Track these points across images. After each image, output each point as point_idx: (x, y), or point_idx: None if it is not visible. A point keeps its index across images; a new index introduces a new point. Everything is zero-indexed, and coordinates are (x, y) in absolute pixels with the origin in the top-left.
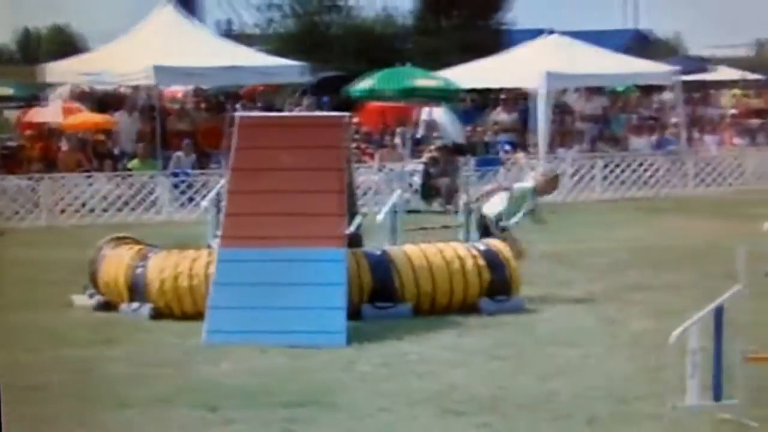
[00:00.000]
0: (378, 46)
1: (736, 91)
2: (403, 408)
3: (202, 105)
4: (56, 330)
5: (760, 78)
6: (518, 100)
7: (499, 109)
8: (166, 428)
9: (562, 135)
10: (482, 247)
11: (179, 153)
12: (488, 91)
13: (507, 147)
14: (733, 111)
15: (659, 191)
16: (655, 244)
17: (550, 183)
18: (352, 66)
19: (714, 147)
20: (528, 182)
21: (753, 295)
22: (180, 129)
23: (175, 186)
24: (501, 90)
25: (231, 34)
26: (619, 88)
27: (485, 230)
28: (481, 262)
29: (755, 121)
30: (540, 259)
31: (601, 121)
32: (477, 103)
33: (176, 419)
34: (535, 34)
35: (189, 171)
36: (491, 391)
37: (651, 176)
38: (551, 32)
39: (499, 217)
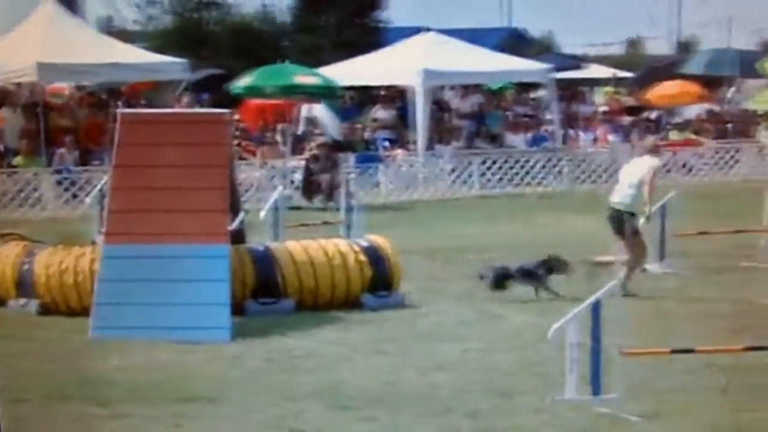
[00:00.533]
0: (257, 43)
1: (608, 89)
2: (290, 403)
3: (85, 102)
4: None
5: (631, 76)
6: (396, 97)
7: (378, 106)
8: (58, 423)
9: (440, 132)
10: (364, 243)
11: (62, 150)
12: (367, 88)
13: (386, 144)
14: (606, 108)
15: (535, 188)
16: (531, 240)
17: None
18: (232, 63)
19: (588, 144)
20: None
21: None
22: (63, 126)
23: (59, 183)
24: (379, 87)
25: (112, 30)
26: (495, 86)
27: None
28: (363, 257)
29: (627, 119)
30: (419, 255)
31: (478, 118)
32: (356, 101)
33: (68, 414)
34: (411, 32)
35: (72, 168)
36: (376, 386)
37: (527, 173)
38: (428, 30)
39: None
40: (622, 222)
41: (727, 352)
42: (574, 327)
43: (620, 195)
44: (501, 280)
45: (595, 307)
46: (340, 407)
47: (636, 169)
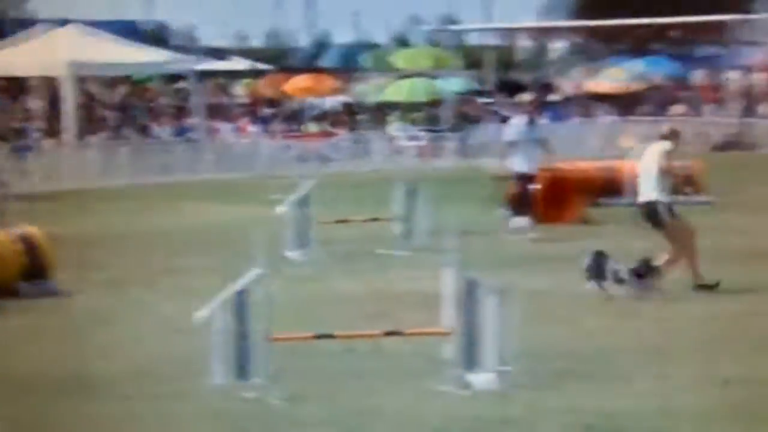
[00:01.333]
0: None
1: (248, 81)
2: None
3: None
4: None
5: (270, 68)
6: (46, 87)
7: (28, 96)
8: None
9: (89, 122)
10: (18, 232)
11: None
12: (18, 79)
13: (36, 134)
14: (247, 100)
15: (180, 177)
16: (178, 229)
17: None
18: None
19: (230, 134)
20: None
21: (271, 277)
22: None
23: None
24: (30, 78)
25: None
26: (140, 78)
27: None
28: (17, 246)
29: (268, 110)
30: (72, 243)
31: (125, 109)
32: (8, 91)
33: None
34: (59, 23)
35: None
36: (36, 372)
37: (173, 163)
38: (73, 22)
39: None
40: (655, 213)
41: (366, 338)
42: (221, 314)
43: (644, 190)
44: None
45: (241, 294)
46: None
47: (650, 160)
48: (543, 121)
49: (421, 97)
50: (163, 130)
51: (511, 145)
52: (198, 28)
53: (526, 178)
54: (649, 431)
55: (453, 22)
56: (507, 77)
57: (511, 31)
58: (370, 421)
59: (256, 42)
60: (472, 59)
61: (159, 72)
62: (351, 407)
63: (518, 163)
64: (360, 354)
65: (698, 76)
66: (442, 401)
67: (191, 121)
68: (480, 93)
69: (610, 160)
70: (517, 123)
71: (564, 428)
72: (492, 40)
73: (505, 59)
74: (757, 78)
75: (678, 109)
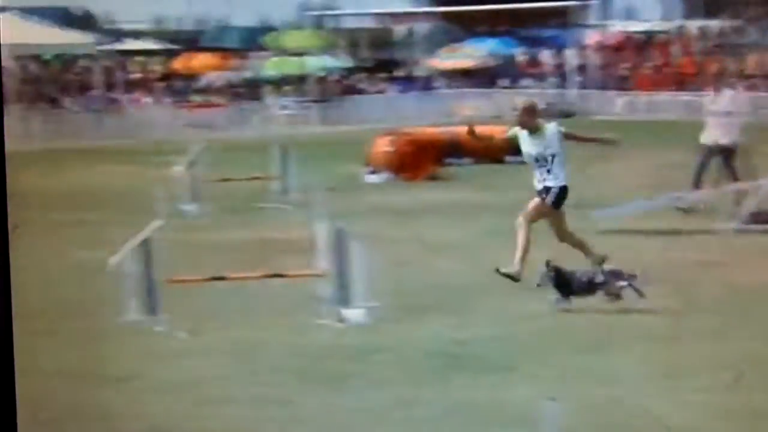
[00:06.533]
0: None
1: (141, 59)
2: None
3: None
4: None
5: (161, 48)
6: None
7: None
8: None
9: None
10: None
11: None
12: None
13: None
14: (143, 75)
15: (84, 143)
16: (85, 188)
17: None
18: None
19: (128, 105)
20: None
21: (170, 228)
22: None
23: None
24: None
25: None
26: (50, 56)
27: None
28: None
29: (159, 84)
30: None
31: (36, 83)
32: None
33: None
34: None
35: None
36: None
37: (78, 130)
38: (1, 9)
39: None
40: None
41: (253, 279)
42: (131, 260)
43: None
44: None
45: (145, 242)
46: None
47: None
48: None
49: (293, 73)
50: (72, 101)
51: None
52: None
53: None
54: (494, 353)
55: (334, 8)
56: (380, 56)
57: (383, 16)
58: (259, 350)
59: (147, 25)
60: (350, 40)
61: (65, 52)
62: (242, 339)
63: None
64: (248, 294)
65: (544, 55)
66: (320, 333)
67: (94, 93)
68: (352, 70)
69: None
70: None
71: (427, 354)
72: (369, 24)
73: (381, 40)
74: (591, 55)
75: (525, 82)
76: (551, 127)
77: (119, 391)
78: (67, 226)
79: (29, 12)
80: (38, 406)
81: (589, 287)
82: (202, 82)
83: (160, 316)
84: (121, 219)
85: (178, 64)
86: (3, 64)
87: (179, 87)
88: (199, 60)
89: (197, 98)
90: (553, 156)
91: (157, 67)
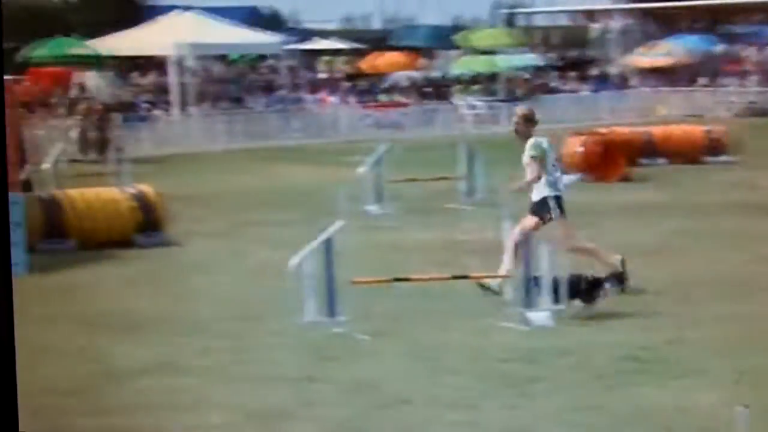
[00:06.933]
0: (48, 19)
1: (329, 59)
2: (78, 327)
3: None
4: None
5: (347, 47)
6: (155, 65)
7: (137, 73)
8: None
9: (192, 95)
10: (132, 191)
11: None
12: (134, 57)
13: (146, 105)
14: (327, 75)
15: (271, 143)
16: (269, 187)
17: None
18: (26, 37)
19: (314, 105)
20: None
21: (353, 229)
22: None
23: None
24: (142, 57)
25: None
26: (236, 56)
27: None
28: (133, 203)
29: (346, 84)
30: (179, 200)
31: (223, 83)
32: (124, 68)
33: None
34: (169, 9)
35: None
36: (147, 311)
37: (264, 130)
38: (186, 8)
39: None
40: None
41: (437, 281)
42: (310, 260)
43: None
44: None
45: (327, 243)
46: (117, 330)
47: None
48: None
49: (482, 71)
50: (256, 101)
51: None
52: (288, 13)
53: None
54: (681, 357)
55: (527, 6)
56: (573, 54)
57: (577, 13)
58: (440, 353)
59: (337, 25)
60: (542, 38)
61: (254, 51)
62: (424, 342)
63: None
64: (432, 295)
65: (744, 51)
66: (504, 336)
67: (281, 93)
68: (543, 69)
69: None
70: None
71: (613, 359)
72: (562, 21)
73: (574, 38)
74: None
75: (726, 80)
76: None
77: (298, 392)
78: (248, 226)
79: (215, 11)
80: (214, 407)
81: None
82: (389, 81)
83: (339, 318)
84: (303, 219)
85: (365, 63)
86: (187, 63)
87: (365, 86)
88: (386, 59)
89: (383, 98)
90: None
91: (343, 66)
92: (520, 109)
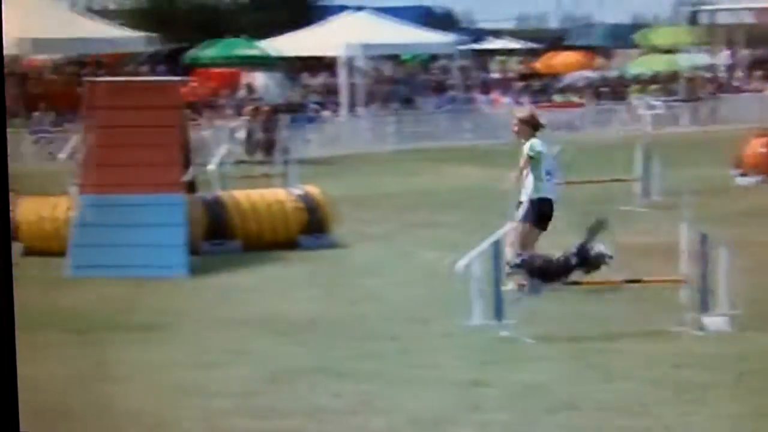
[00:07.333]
0: (219, 20)
1: (503, 59)
2: (237, 330)
3: (58, 71)
4: None
5: (522, 47)
6: (324, 66)
7: (308, 74)
8: (36, 349)
9: (361, 96)
10: (299, 192)
11: (38, 113)
12: (301, 58)
13: (315, 106)
14: (501, 75)
15: (441, 144)
16: (437, 188)
17: None
18: (197, 38)
19: (486, 105)
20: None
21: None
22: (39, 92)
23: (36, 141)
24: (311, 58)
25: (93, 9)
26: (407, 56)
27: None
28: (299, 204)
29: (519, 84)
30: (346, 201)
31: (393, 83)
32: (293, 69)
33: (44, 341)
34: (340, 9)
35: (48, 128)
36: (310, 314)
37: (434, 130)
38: (358, 8)
39: None
40: None
41: (608, 284)
42: (478, 262)
43: None
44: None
45: (496, 245)
46: (280, 333)
47: None
48: None
49: (662, 71)
50: (427, 101)
51: None
52: (462, 13)
53: None
54: None
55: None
56: (758, 53)
57: (764, 11)
58: (609, 357)
59: (511, 24)
60: (725, 37)
61: (426, 51)
62: (594, 346)
63: None
64: (603, 299)
65: None
66: (678, 341)
67: (452, 93)
68: (727, 68)
69: None
70: None
71: None
72: (747, 20)
73: (758, 37)
74: None
75: None
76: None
77: (462, 396)
78: (415, 228)
79: (387, 11)
80: (377, 411)
81: (566, 269)
82: (564, 81)
83: (506, 321)
84: (472, 220)
85: (539, 63)
86: (358, 64)
87: (539, 86)
88: (562, 58)
89: (558, 98)
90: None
91: (517, 66)
92: (519, 111)
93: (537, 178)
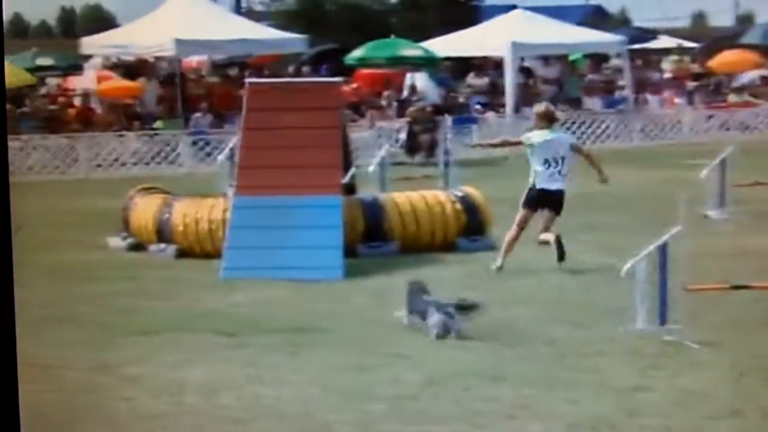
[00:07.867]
0: (369, 20)
1: (675, 58)
2: (393, 332)
3: (217, 73)
4: (90, 267)
5: (695, 46)
6: (488, 66)
7: (472, 74)
8: (187, 351)
9: (526, 96)
10: (459, 194)
11: (197, 114)
12: (463, 59)
13: (479, 107)
14: (672, 75)
15: (609, 145)
16: (602, 191)
17: None
18: (347, 38)
19: (656, 106)
20: None
21: (690, 234)
22: (198, 94)
23: (194, 143)
24: (474, 58)
25: (241, 11)
26: (576, 56)
27: None
28: (459, 206)
29: (692, 84)
30: (507, 203)
31: (559, 84)
32: (454, 70)
33: (196, 343)
34: (503, 9)
35: (206, 130)
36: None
37: (602, 132)
38: (516, 8)
39: None
40: None
41: None
42: (644, 265)
43: None
44: None
45: (663, 248)
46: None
47: None
48: None
49: None
50: (593, 102)
51: None
52: (631, 11)
53: None
54: None
55: None
56: None
57: None
58: None
59: (683, 22)
60: None
61: (592, 51)
62: (759, 352)
63: None
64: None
65: None
66: None
67: (621, 93)
68: None
69: None
70: None
71: None
72: None
73: None
74: None
75: None
76: (563, 134)
77: (623, 401)
78: (581, 230)
79: (555, 11)
80: (534, 416)
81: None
82: (741, 80)
83: (671, 326)
84: (638, 223)
85: (714, 62)
86: (524, 64)
87: (713, 86)
88: (738, 57)
89: (733, 98)
90: (563, 159)
91: (690, 65)
92: (537, 106)
93: (534, 167)
